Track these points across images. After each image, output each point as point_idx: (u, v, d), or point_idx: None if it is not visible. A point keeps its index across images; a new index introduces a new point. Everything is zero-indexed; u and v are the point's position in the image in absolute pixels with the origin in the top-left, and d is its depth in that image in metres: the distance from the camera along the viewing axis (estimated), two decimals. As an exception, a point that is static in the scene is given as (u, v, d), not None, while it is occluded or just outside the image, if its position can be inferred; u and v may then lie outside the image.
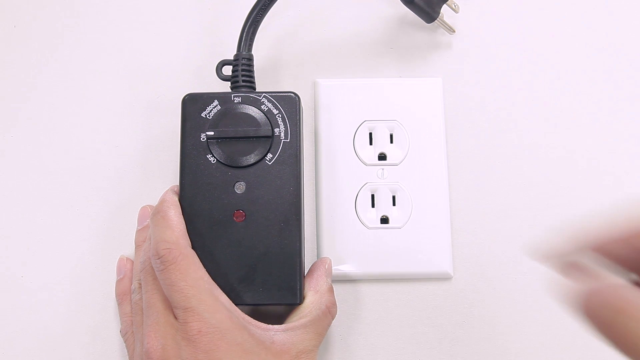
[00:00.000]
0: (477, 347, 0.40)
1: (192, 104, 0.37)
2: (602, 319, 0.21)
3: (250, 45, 0.39)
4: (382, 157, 0.42)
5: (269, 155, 0.36)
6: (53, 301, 0.41)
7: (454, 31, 0.43)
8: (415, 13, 0.42)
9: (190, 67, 0.44)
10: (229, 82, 0.40)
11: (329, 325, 0.36)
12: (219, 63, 0.40)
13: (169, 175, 0.42)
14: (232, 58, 0.40)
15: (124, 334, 0.38)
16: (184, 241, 0.34)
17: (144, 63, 0.45)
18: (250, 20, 0.39)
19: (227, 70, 0.40)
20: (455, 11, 0.43)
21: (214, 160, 0.36)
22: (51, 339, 0.40)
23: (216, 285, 0.34)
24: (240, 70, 0.39)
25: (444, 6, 0.42)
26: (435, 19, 0.42)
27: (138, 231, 0.40)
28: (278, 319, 0.37)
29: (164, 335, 0.32)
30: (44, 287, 0.41)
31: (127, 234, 0.41)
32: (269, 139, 0.37)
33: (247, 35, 0.39)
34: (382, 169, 0.42)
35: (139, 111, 0.44)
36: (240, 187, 0.36)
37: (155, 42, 0.45)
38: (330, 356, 0.40)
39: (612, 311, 0.21)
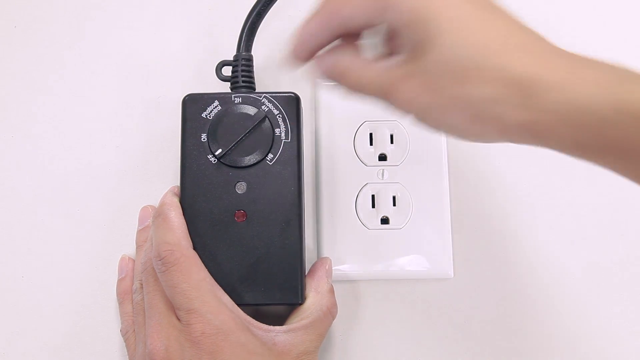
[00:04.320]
0: (477, 348, 0.40)
1: (193, 105, 0.37)
2: (331, 76, 0.32)
3: (250, 45, 0.39)
4: (382, 157, 0.42)
5: (270, 156, 0.36)
6: (53, 301, 0.41)
7: None
8: None
9: (190, 67, 0.44)
10: (229, 83, 0.40)
11: (329, 326, 0.36)
12: (218, 64, 0.40)
13: (169, 175, 0.42)
14: (231, 59, 0.40)
15: (124, 333, 0.38)
16: (186, 242, 0.34)
17: (144, 63, 0.44)
18: (249, 21, 0.39)
19: (227, 70, 0.40)
20: None
21: (214, 161, 0.36)
22: (51, 339, 0.40)
23: (218, 286, 0.34)
24: (240, 70, 0.39)
25: None
26: None
27: (139, 231, 0.40)
28: (279, 320, 0.37)
29: (167, 337, 0.32)
30: (45, 287, 0.41)
31: (128, 234, 0.41)
32: (270, 139, 0.37)
33: (246, 35, 0.39)
34: (383, 170, 0.42)
35: (139, 111, 0.44)
36: (241, 187, 0.36)
37: (155, 42, 0.45)
38: (330, 356, 0.40)
39: (334, 73, 0.32)
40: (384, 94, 0.29)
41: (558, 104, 0.25)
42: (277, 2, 0.39)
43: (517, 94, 0.25)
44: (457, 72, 0.26)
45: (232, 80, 0.39)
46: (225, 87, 0.40)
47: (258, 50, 0.41)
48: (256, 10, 0.39)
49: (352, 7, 0.29)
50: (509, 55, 0.26)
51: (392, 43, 0.30)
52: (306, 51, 0.32)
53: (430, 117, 0.28)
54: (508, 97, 0.26)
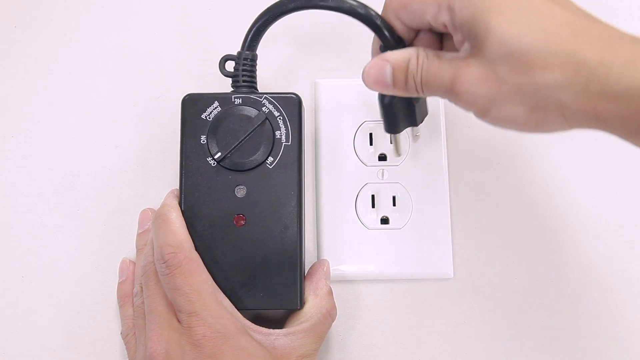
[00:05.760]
0: (477, 348, 0.40)
1: (192, 105, 0.37)
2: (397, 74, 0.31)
3: (254, 46, 0.37)
4: (382, 157, 0.42)
5: (270, 159, 0.36)
6: (53, 301, 0.41)
7: (399, 155, 0.41)
8: (382, 115, 0.36)
9: (191, 67, 0.44)
10: (230, 79, 0.39)
11: (329, 328, 0.36)
12: (221, 58, 0.38)
13: (169, 175, 0.42)
14: (235, 54, 0.38)
15: (124, 336, 0.38)
16: (188, 244, 0.34)
17: (144, 63, 0.44)
18: (257, 25, 0.36)
19: (230, 66, 0.38)
20: (414, 140, 0.42)
21: (214, 164, 0.36)
22: (51, 340, 0.40)
23: (219, 289, 0.34)
24: (242, 69, 0.37)
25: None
26: (397, 132, 0.38)
27: (139, 235, 0.40)
28: (278, 322, 0.37)
29: (167, 340, 0.32)
30: (44, 288, 0.41)
31: (128, 234, 0.41)
32: (270, 142, 0.36)
33: (252, 36, 0.37)
34: (383, 170, 0.42)
35: (139, 111, 0.44)
36: (240, 191, 0.36)
37: (156, 42, 0.45)
38: (330, 357, 0.40)
39: (399, 71, 0.31)
40: (447, 88, 0.29)
41: (624, 90, 0.25)
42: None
43: (583, 80, 0.25)
44: (520, 61, 0.26)
45: (234, 78, 0.38)
46: (227, 84, 0.40)
47: (258, 50, 0.41)
48: (266, 17, 0.36)
49: (414, 5, 0.30)
50: (572, 40, 0.26)
51: (451, 41, 0.31)
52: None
53: (492, 110, 0.28)
54: (574, 83, 0.26)
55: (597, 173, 0.43)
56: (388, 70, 0.31)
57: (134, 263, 0.40)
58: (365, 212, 0.41)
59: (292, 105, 0.37)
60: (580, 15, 0.27)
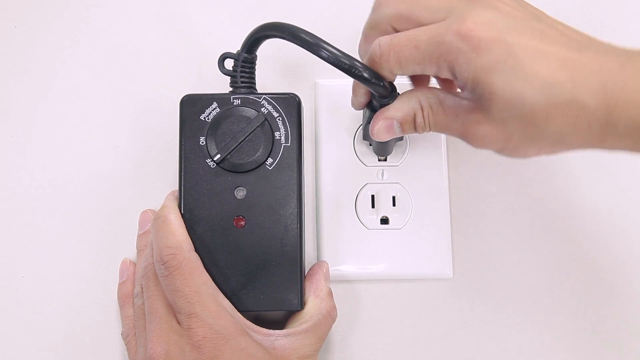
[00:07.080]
0: (477, 348, 0.40)
1: (191, 106, 0.37)
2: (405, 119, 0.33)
3: (253, 50, 0.37)
4: (382, 157, 0.42)
5: (269, 160, 0.36)
6: (53, 301, 0.41)
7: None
8: (376, 145, 0.40)
9: (190, 68, 0.44)
10: (229, 79, 0.38)
11: (329, 329, 0.36)
12: (220, 56, 0.38)
13: (168, 176, 0.42)
14: (234, 52, 0.38)
15: (125, 336, 0.38)
16: (187, 245, 0.34)
17: (144, 63, 0.44)
18: (258, 35, 0.35)
19: (229, 64, 0.38)
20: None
21: (213, 165, 0.36)
22: (51, 340, 0.40)
23: (219, 290, 0.34)
24: (240, 70, 0.37)
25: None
26: (389, 154, 0.41)
27: (139, 236, 0.40)
28: (279, 323, 0.37)
29: (167, 341, 0.32)
30: (44, 287, 0.41)
31: (127, 234, 0.41)
32: (270, 143, 0.36)
33: (252, 42, 0.36)
34: (382, 170, 0.42)
35: (139, 111, 0.44)
36: (240, 193, 0.36)
37: (156, 42, 0.45)
38: (330, 356, 0.40)
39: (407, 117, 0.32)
40: (459, 136, 0.31)
41: (624, 129, 0.26)
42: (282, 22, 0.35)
43: (584, 125, 0.27)
44: (526, 118, 0.27)
45: (232, 78, 0.37)
46: (226, 84, 0.39)
47: (260, 48, 0.40)
48: (266, 32, 0.35)
49: (412, 59, 0.30)
50: (570, 86, 0.27)
51: (451, 82, 0.31)
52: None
53: (506, 151, 0.30)
54: (577, 128, 0.27)
55: (598, 172, 0.43)
56: (396, 125, 0.33)
57: (135, 264, 0.40)
58: (365, 212, 0.41)
59: (291, 105, 0.37)
60: (572, 47, 0.28)
